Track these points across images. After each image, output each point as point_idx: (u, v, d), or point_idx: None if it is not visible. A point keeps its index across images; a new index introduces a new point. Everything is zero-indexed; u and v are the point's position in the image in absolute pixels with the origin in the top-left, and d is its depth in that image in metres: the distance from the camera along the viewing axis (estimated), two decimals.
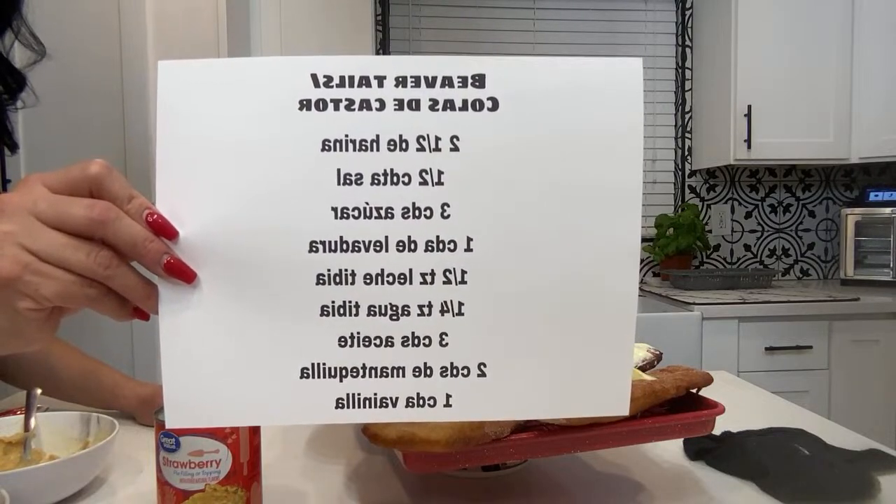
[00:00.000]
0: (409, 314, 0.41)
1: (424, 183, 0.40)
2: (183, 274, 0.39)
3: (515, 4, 2.66)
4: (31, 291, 0.37)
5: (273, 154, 0.40)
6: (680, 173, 2.74)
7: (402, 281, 0.41)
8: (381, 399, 0.41)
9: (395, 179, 0.40)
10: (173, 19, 1.62)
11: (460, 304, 0.41)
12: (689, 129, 2.73)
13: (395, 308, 0.41)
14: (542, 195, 0.41)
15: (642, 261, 2.73)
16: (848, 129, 2.41)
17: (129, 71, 1.58)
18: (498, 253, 0.41)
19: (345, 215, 0.40)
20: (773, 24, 2.38)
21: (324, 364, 0.41)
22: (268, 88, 0.40)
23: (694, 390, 0.63)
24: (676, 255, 2.59)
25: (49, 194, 0.38)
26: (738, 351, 2.15)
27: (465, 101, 0.41)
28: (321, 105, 0.40)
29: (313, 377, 0.41)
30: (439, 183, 0.41)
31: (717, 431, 0.65)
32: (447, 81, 0.41)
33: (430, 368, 0.41)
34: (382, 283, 0.41)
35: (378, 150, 0.40)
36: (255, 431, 0.55)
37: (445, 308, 0.41)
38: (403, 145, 0.40)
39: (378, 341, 0.41)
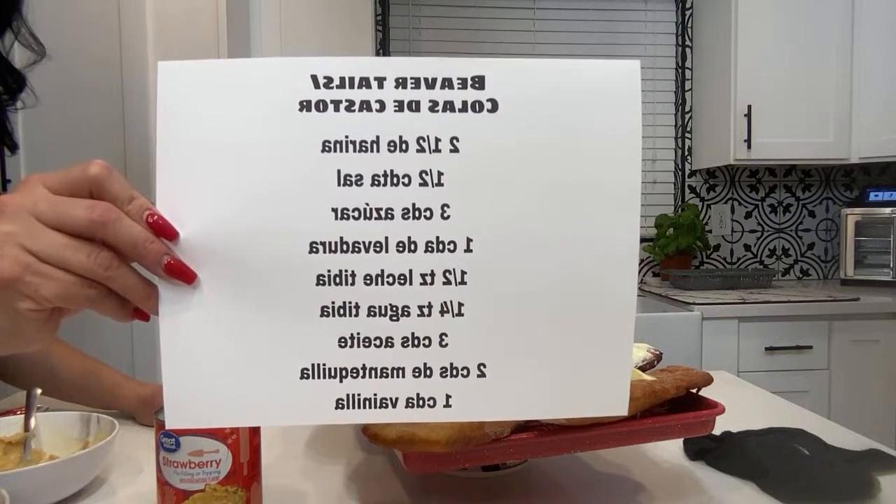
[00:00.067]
0: (408, 315, 0.41)
1: (424, 184, 0.41)
2: (183, 275, 0.40)
3: (515, 4, 2.66)
4: (31, 292, 0.37)
5: (273, 155, 0.40)
6: (680, 173, 2.74)
7: (402, 281, 0.41)
8: (381, 399, 0.41)
9: (395, 180, 0.40)
10: (173, 19, 1.62)
11: (460, 304, 0.41)
12: (689, 129, 2.74)
13: (394, 308, 0.41)
14: (541, 196, 0.41)
15: (642, 261, 2.74)
16: (848, 129, 2.41)
17: (129, 71, 1.58)
18: (497, 254, 0.41)
19: (345, 216, 0.40)
20: (773, 24, 2.38)
21: (324, 364, 0.41)
22: (268, 89, 0.40)
23: (694, 390, 0.64)
24: (676, 255, 2.59)
25: (49, 195, 0.38)
26: (738, 351, 2.15)
27: (464, 103, 0.41)
28: (321, 106, 0.40)
29: (313, 378, 0.41)
30: (439, 184, 0.41)
31: (717, 431, 0.65)
32: (447, 83, 0.41)
33: (430, 369, 0.41)
34: (382, 284, 0.41)
35: (378, 151, 0.40)
36: (255, 431, 0.56)
37: (445, 308, 0.41)
38: (403, 146, 0.40)
39: (378, 342, 0.41)
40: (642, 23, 2.72)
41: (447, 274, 0.41)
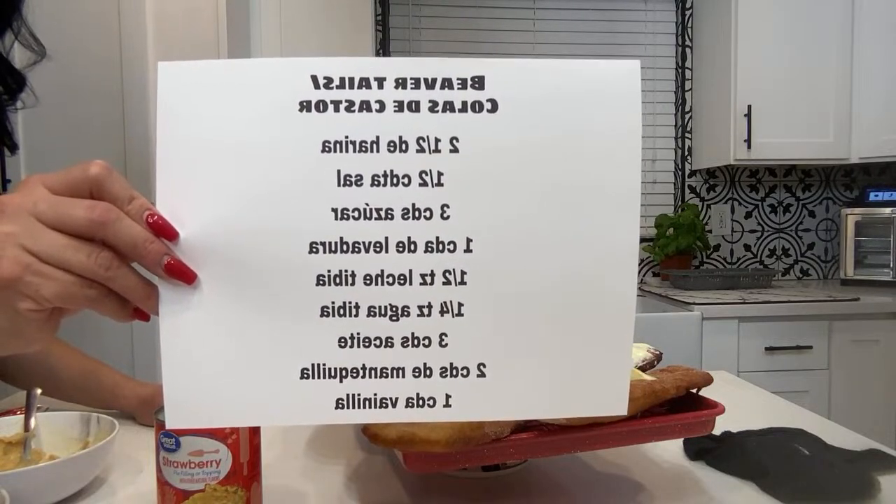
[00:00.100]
0: (408, 315, 0.41)
1: (424, 184, 0.41)
2: (183, 275, 0.40)
3: (515, 4, 2.66)
4: (31, 292, 0.37)
5: (273, 155, 0.40)
6: (680, 173, 2.74)
7: (401, 282, 0.41)
8: (381, 399, 0.41)
9: (394, 180, 0.40)
10: (173, 19, 1.62)
11: (460, 304, 0.41)
12: (689, 129, 2.74)
13: (394, 309, 0.41)
14: (541, 196, 0.41)
15: (642, 261, 2.74)
16: (848, 129, 2.41)
17: (129, 71, 1.58)
18: (497, 254, 0.41)
19: (345, 216, 0.40)
20: (773, 24, 2.38)
21: (324, 364, 0.41)
22: (268, 90, 0.40)
23: (694, 390, 0.64)
24: (676, 255, 2.59)
25: (50, 195, 0.38)
26: (738, 351, 2.15)
27: (464, 103, 0.41)
28: (321, 106, 0.40)
29: (313, 378, 0.41)
30: (439, 184, 0.41)
31: (717, 431, 0.65)
32: (447, 83, 0.41)
33: (430, 369, 0.41)
34: (382, 284, 0.41)
35: (378, 151, 0.40)
36: (255, 431, 0.56)
37: (445, 309, 0.41)
38: (403, 146, 0.40)
39: (378, 342, 0.41)
40: (642, 23, 2.72)
41: (447, 274, 0.41)
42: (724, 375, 1.08)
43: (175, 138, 0.40)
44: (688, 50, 2.72)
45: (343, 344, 0.41)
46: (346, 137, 0.40)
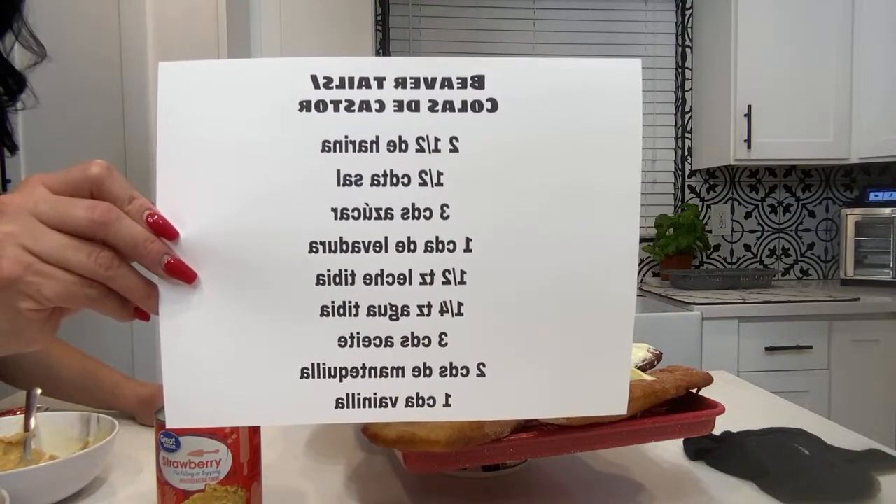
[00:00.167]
0: (408, 314, 0.41)
1: (424, 184, 0.41)
2: (183, 274, 0.40)
3: (515, 4, 2.66)
4: (32, 292, 0.37)
5: (273, 155, 0.40)
6: (680, 173, 2.74)
7: (401, 281, 0.41)
8: (381, 399, 0.41)
9: (394, 180, 0.40)
10: (173, 19, 1.62)
11: (459, 304, 0.41)
12: (689, 129, 2.74)
13: (394, 308, 0.41)
14: (540, 196, 0.41)
15: (642, 261, 2.74)
16: (848, 129, 2.41)
17: (129, 71, 1.58)
18: (497, 253, 0.41)
19: (345, 216, 0.40)
20: (773, 24, 2.38)
21: (324, 364, 0.41)
22: (268, 89, 0.40)
23: (694, 390, 0.64)
24: (676, 255, 2.59)
25: (50, 195, 0.38)
26: (738, 351, 2.15)
27: (464, 102, 0.41)
28: (321, 106, 0.40)
29: (313, 377, 0.41)
30: (439, 184, 0.41)
31: (717, 431, 0.65)
32: (446, 82, 0.41)
33: (430, 368, 0.41)
34: (382, 284, 0.41)
35: (378, 150, 0.40)
36: (255, 431, 0.56)
37: (445, 308, 0.41)
38: (403, 146, 0.41)
39: (378, 341, 0.41)
40: (642, 23, 2.72)
41: (447, 274, 0.41)
42: (724, 375, 1.08)
43: (175, 138, 0.40)
44: (688, 50, 2.72)
45: (343, 343, 0.41)
46: (346, 137, 0.40)
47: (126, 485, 0.68)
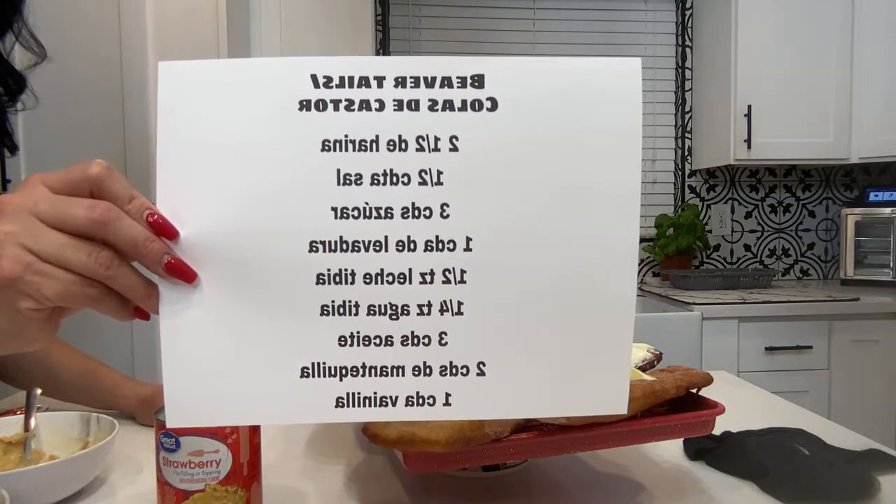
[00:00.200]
0: (408, 313, 0.41)
1: (424, 183, 0.41)
2: (183, 274, 0.40)
3: (515, 4, 2.66)
4: (32, 291, 0.37)
5: (273, 154, 0.40)
6: (680, 173, 2.74)
7: (401, 280, 0.41)
8: (381, 398, 0.41)
9: (394, 179, 0.40)
10: (173, 19, 1.62)
11: (459, 303, 0.41)
12: (689, 129, 2.74)
13: (394, 307, 0.41)
14: (540, 195, 0.41)
15: (642, 261, 2.74)
16: (848, 129, 2.41)
17: (129, 71, 1.58)
18: (497, 252, 0.41)
19: (344, 215, 0.40)
20: (773, 24, 2.38)
21: (324, 363, 0.41)
22: (268, 89, 0.40)
23: (694, 390, 0.64)
24: (676, 255, 2.59)
25: (50, 195, 0.38)
26: (738, 351, 2.15)
27: (464, 102, 0.41)
28: (321, 105, 0.40)
29: (313, 376, 0.41)
30: (438, 183, 0.41)
31: (717, 431, 0.65)
32: (446, 82, 0.41)
33: (430, 367, 0.41)
34: (382, 283, 0.41)
35: (377, 150, 0.40)
36: (255, 431, 0.56)
37: (445, 307, 0.41)
38: (403, 145, 0.41)
39: (378, 340, 0.41)
40: (642, 23, 2.72)
41: (447, 273, 0.41)
42: (724, 375, 1.08)
43: (175, 138, 0.40)
44: (688, 50, 2.72)
45: (343, 343, 0.41)
46: (346, 136, 0.40)
47: (126, 485, 0.68)
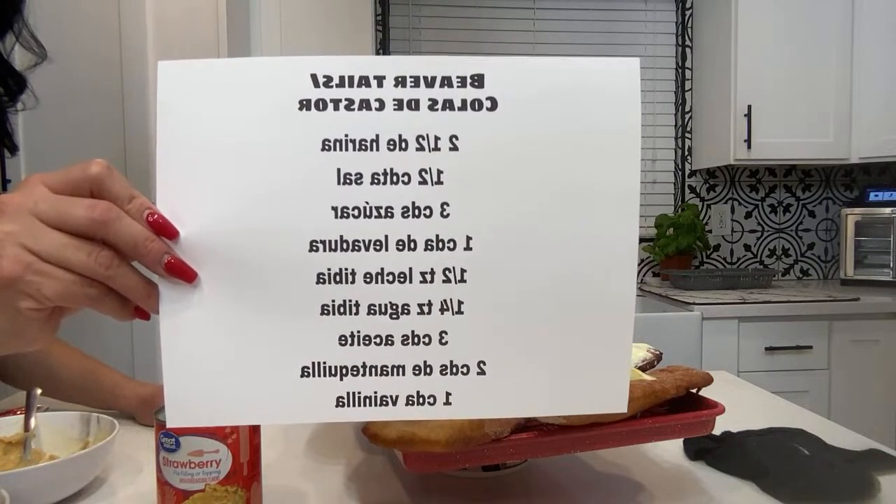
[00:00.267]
0: (408, 313, 0.41)
1: (424, 182, 0.41)
2: (183, 273, 0.40)
3: (515, 4, 2.66)
4: (32, 291, 0.37)
5: (273, 154, 0.40)
6: (680, 173, 2.74)
7: (401, 280, 0.41)
8: (382, 397, 0.41)
9: (394, 179, 0.40)
10: (173, 19, 1.62)
11: (460, 302, 0.41)
12: (689, 129, 2.74)
13: (394, 307, 0.41)
14: (540, 195, 0.41)
15: (642, 261, 2.74)
16: (848, 129, 2.41)
17: (129, 71, 1.58)
18: (497, 252, 0.41)
19: (345, 215, 0.40)
20: (773, 24, 2.38)
21: (324, 363, 0.41)
22: (268, 88, 0.40)
23: (694, 390, 0.64)
24: (676, 255, 2.59)
25: (50, 195, 0.38)
26: (738, 351, 2.15)
27: (464, 101, 0.41)
28: (321, 105, 0.40)
29: (314, 376, 0.41)
30: (439, 182, 0.41)
31: (717, 431, 0.65)
32: (446, 81, 0.41)
33: (430, 367, 0.41)
34: (382, 282, 0.41)
35: (378, 149, 0.40)
36: (255, 431, 0.56)
37: (445, 307, 0.41)
38: (403, 145, 0.41)
39: (378, 340, 0.41)
40: (642, 23, 2.72)
41: (447, 272, 0.41)
42: (724, 375, 1.08)
43: (175, 138, 0.40)
44: (688, 50, 2.72)
45: (343, 342, 0.41)
46: (346, 136, 0.40)
47: (126, 485, 0.68)
